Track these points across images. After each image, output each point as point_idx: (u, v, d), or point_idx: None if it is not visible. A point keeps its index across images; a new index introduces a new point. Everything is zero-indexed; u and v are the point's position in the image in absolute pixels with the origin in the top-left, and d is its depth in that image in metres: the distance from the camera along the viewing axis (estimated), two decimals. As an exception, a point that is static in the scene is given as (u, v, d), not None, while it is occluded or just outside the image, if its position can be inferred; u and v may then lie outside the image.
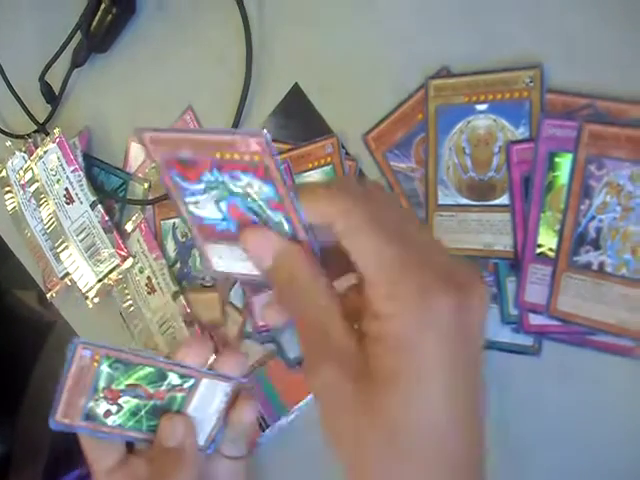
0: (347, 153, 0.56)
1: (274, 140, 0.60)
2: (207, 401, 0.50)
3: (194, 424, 0.51)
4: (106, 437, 0.49)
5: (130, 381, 0.47)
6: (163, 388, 0.49)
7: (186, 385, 0.49)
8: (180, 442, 0.50)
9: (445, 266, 0.35)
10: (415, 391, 0.32)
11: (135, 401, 0.49)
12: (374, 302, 0.33)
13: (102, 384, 0.47)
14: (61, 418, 0.46)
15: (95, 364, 0.45)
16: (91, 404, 0.47)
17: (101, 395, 0.47)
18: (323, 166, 0.56)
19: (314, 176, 0.57)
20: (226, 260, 0.40)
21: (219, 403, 0.50)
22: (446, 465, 0.34)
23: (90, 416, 0.47)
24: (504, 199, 0.49)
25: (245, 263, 0.39)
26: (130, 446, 0.52)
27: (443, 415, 0.33)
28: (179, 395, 0.49)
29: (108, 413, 0.48)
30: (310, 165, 0.57)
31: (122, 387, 0.47)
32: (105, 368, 0.46)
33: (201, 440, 0.51)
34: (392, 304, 0.33)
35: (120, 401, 0.48)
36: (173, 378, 0.48)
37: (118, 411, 0.48)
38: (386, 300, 0.33)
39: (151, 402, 0.49)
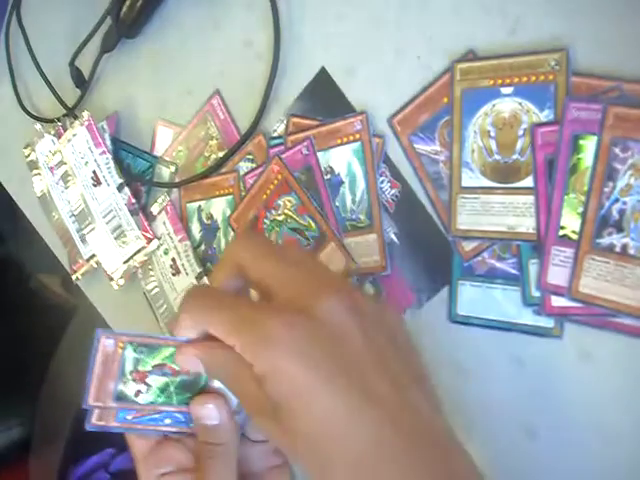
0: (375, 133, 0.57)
1: (301, 116, 0.61)
2: None
3: (224, 397, 0.52)
4: (141, 432, 0.51)
5: (156, 361, 0.49)
6: None
7: None
8: (217, 418, 0.51)
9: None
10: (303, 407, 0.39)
11: (163, 379, 0.50)
12: None
13: (129, 367, 0.48)
14: (93, 402, 0.48)
15: (120, 350, 0.47)
16: (120, 387, 0.48)
17: (129, 377, 0.48)
18: (351, 142, 0.57)
19: (342, 152, 0.57)
20: None
21: None
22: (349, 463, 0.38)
23: (121, 397, 0.49)
24: (528, 181, 0.49)
25: None
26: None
27: (332, 416, 0.38)
28: None
29: (138, 392, 0.50)
30: (339, 141, 0.57)
31: (149, 368, 0.49)
32: (130, 353, 0.47)
33: (233, 404, 0.53)
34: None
35: (148, 380, 0.49)
36: None
37: (148, 390, 0.50)
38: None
39: (178, 378, 0.50)
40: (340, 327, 0.40)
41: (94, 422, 0.48)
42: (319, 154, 0.59)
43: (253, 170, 0.63)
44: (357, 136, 0.56)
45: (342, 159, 0.57)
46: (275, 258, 0.44)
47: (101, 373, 0.47)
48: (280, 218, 0.60)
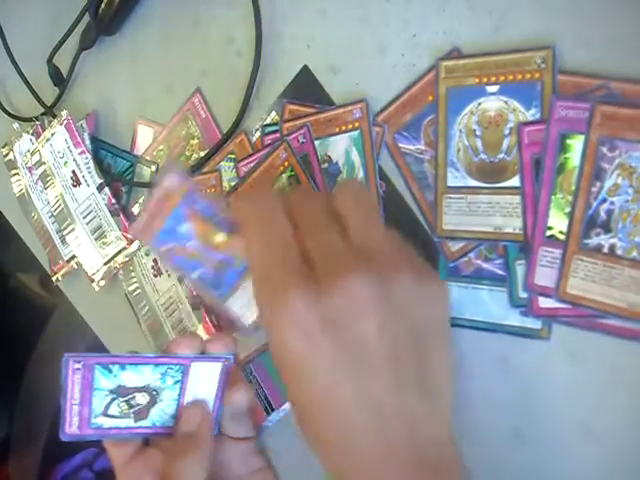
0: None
1: (297, 103, 0.59)
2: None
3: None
4: (116, 437, 0.51)
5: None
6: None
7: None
8: (197, 426, 0.51)
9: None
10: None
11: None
12: None
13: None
14: (69, 430, 0.48)
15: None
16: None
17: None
18: (350, 131, 0.55)
19: (340, 140, 0.56)
20: None
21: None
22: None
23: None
24: (514, 181, 0.49)
25: None
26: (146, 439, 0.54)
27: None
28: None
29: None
30: (337, 129, 0.56)
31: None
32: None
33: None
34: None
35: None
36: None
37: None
38: None
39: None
40: (356, 313, 0.39)
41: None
42: (316, 142, 0.58)
43: (248, 157, 0.62)
44: (356, 124, 0.55)
45: (340, 147, 0.56)
46: (324, 226, 0.43)
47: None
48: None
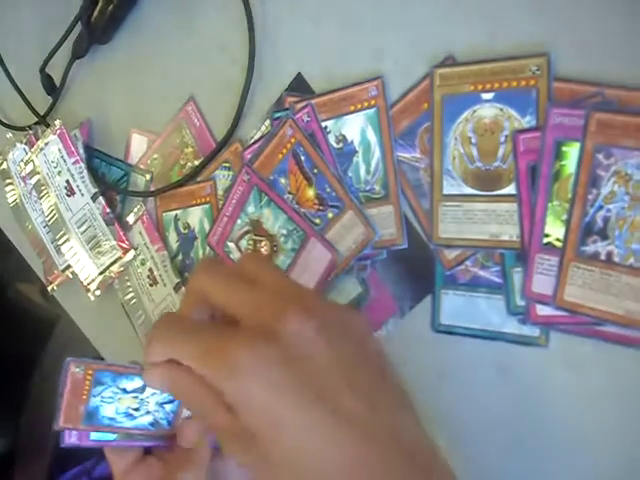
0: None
1: (296, 96, 0.59)
2: None
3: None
4: (116, 445, 0.51)
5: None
6: None
7: None
8: (194, 443, 0.51)
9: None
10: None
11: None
12: None
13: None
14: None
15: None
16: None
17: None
18: (366, 109, 0.55)
19: (355, 119, 0.55)
20: None
21: None
22: None
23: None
24: (511, 189, 0.49)
25: None
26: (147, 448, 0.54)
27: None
28: None
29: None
30: (352, 108, 0.55)
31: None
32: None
33: None
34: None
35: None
36: None
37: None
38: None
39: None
40: (307, 347, 0.39)
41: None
42: (330, 122, 0.57)
43: (252, 145, 0.61)
44: (372, 102, 0.54)
45: (355, 127, 0.55)
46: (235, 282, 0.44)
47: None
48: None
